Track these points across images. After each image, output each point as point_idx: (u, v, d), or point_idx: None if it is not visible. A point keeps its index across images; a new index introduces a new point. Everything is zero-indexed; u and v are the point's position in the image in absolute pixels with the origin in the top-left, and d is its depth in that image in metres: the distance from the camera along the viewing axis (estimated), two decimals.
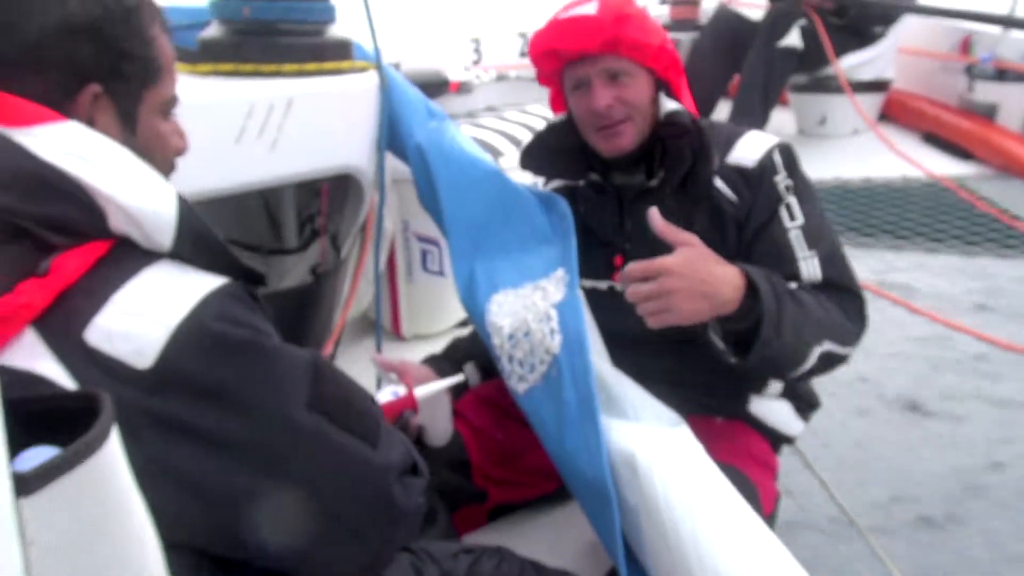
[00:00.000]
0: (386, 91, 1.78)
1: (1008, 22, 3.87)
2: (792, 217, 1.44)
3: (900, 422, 2.58)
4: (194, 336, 0.82)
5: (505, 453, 1.59)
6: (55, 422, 0.57)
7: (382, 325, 2.48)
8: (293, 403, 0.87)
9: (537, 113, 2.78)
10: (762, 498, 1.43)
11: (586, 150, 1.55)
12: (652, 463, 1.18)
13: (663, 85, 1.50)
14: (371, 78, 1.78)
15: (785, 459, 1.65)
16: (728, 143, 1.50)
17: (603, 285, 1.55)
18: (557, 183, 1.66)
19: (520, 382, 1.43)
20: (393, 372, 1.51)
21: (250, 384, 0.85)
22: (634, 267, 1.23)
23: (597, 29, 1.39)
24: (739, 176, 1.46)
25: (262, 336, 0.88)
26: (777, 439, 1.60)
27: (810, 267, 1.41)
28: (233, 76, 1.63)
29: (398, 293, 2.46)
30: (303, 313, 1.95)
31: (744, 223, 1.45)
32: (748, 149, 1.48)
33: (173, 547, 0.73)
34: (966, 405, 2.60)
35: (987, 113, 4.05)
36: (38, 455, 0.48)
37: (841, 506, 1.82)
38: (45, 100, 0.87)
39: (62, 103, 0.88)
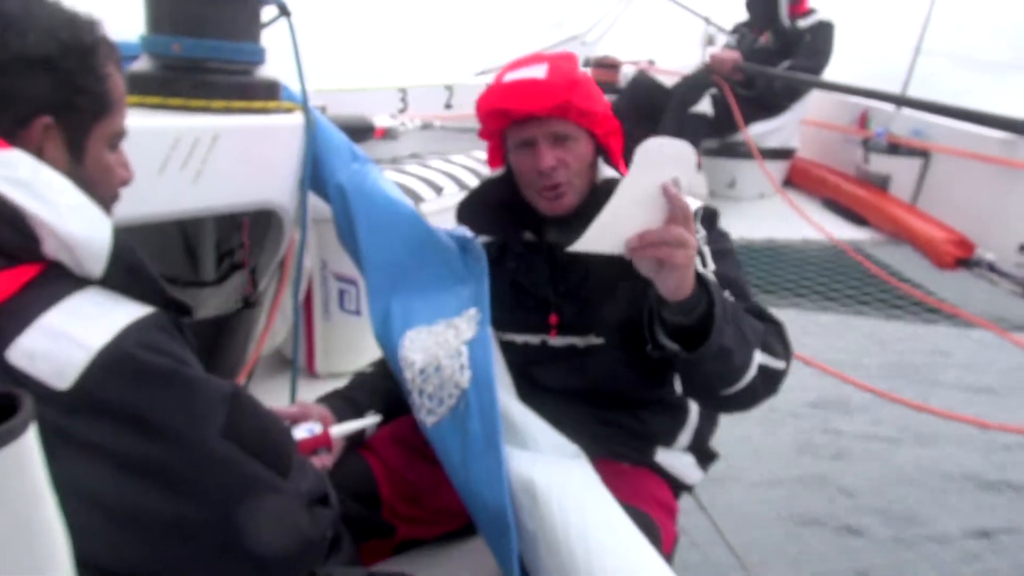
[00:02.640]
0: (311, 131, 1.83)
1: (899, 101, 4.18)
2: (704, 265, 1.47)
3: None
4: (115, 361, 0.85)
5: (415, 492, 1.61)
6: None
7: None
8: (207, 430, 0.91)
9: (459, 162, 2.87)
10: (663, 538, 1.50)
11: (520, 207, 1.58)
12: (550, 489, 1.24)
13: (602, 150, 1.55)
14: (297, 118, 1.84)
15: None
16: None
17: (536, 340, 1.59)
18: (489, 238, 1.68)
19: (429, 415, 1.48)
20: (291, 419, 1.50)
21: (166, 410, 0.88)
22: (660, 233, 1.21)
23: (548, 93, 1.42)
24: None
25: (182, 366, 0.91)
26: (678, 486, 1.68)
27: None
28: (160, 109, 1.66)
29: (314, 331, 2.48)
30: (217, 345, 1.96)
31: None
32: None
33: (79, 564, 0.76)
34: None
35: (881, 183, 4.33)
36: None
37: (730, 545, 1.90)
38: None
39: (13, 131, 0.92)
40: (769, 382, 1.40)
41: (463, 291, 1.63)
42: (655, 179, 1.21)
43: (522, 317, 1.59)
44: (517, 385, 1.55)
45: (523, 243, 1.62)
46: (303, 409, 1.55)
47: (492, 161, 1.66)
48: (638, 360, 1.54)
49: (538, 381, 1.58)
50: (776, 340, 1.43)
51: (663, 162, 1.21)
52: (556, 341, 1.58)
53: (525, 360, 1.58)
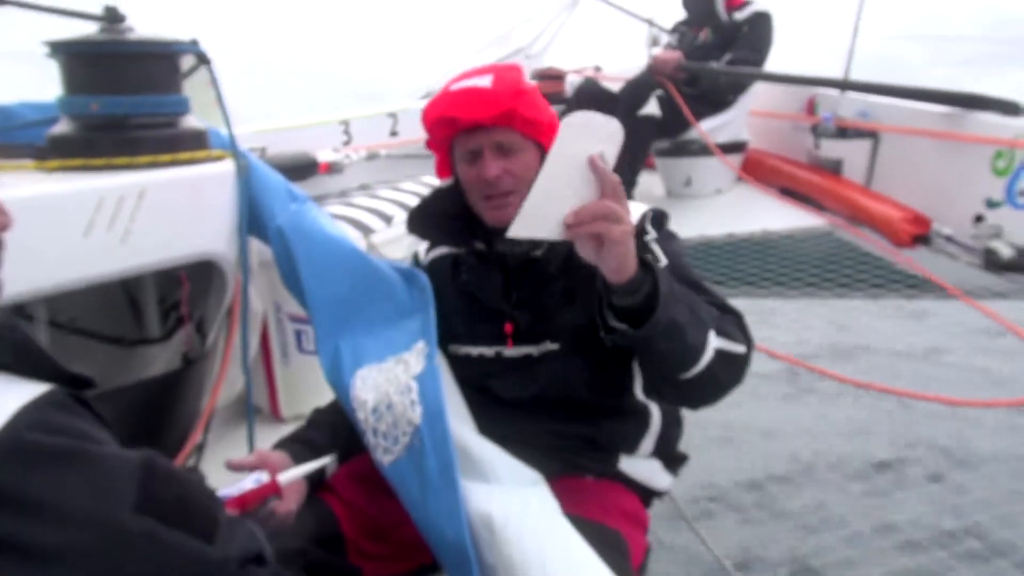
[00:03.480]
0: (243, 177, 1.81)
1: (843, 85, 4.20)
2: (656, 260, 1.45)
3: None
4: (8, 448, 0.81)
5: (378, 527, 1.59)
6: None
7: (260, 407, 2.46)
8: (118, 507, 0.87)
9: (408, 189, 2.86)
10: (632, 552, 1.48)
11: (471, 217, 1.58)
12: (507, 521, 1.23)
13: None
14: (228, 165, 1.81)
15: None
16: None
17: (491, 352, 1.58)
18: (441, 250, 1.68)
19: (385, 454, 1.46)
20: (249, 469, 1.47)
21: (70, 493, 0.84)
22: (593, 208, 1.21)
23: (493, 102, 1.43)
24: None
25: (83, 442, 0.87)
26: (647, 494, 1.67)
27: None
28: (83, 171, 1.63)
29: (274, 375, 2.45)
30: (169, 401, 1.92)
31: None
32: None
33: None
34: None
35: (834, 168, 4.35)
36: None
37: (709, 546, 1.89)
38: None
39: None
40: (730, 367, 1.39)
41: (410, 325, 1.61)
42: (581, 153, 1.20)
43: (477, 329, 1.58)
44: (474, 400, 1.54)
45: (474, 253, 1.61)
46: (261, 458, 1.51)
47: (441, 172, 1.64)
48: (594, 365, 1.53)
49: (495, 394, 1.57)
50: (735, 328, 1.42)
51: (589, 136, 1.20)
52: (511, 352, 1.57)
53: (481, 373, 1.57)
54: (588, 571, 1.16)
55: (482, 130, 1.46)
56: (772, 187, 4.54)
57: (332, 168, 2.88)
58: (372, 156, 3.16)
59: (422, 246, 1.72)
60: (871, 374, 3.43)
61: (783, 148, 4.78)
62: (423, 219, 1.64)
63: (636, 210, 1.56)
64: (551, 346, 1.54)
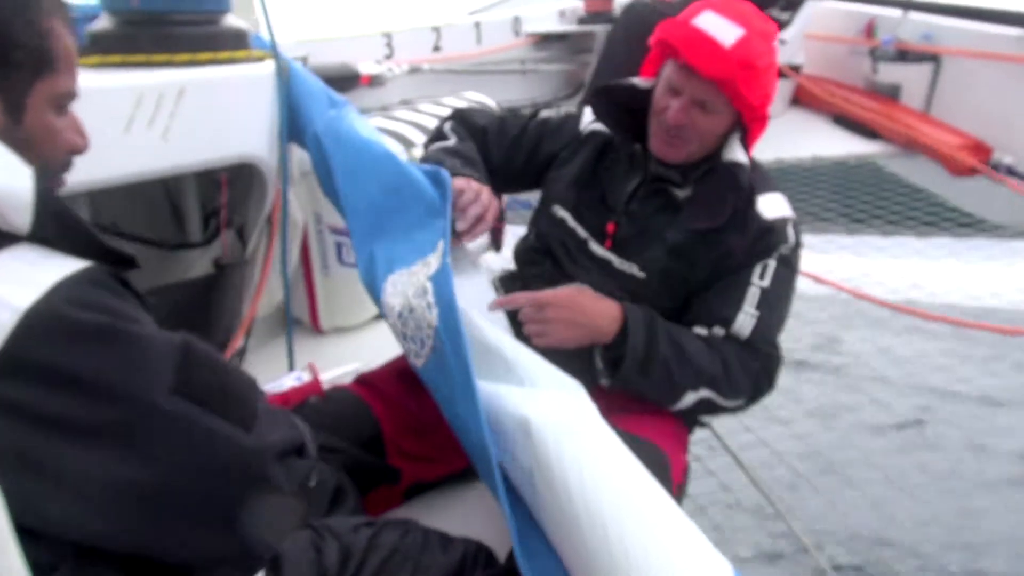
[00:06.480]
0: (284, 80, 1.78)
1: (905, 4, 4.01)
2: (762, 277, 1.49)
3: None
4: (44, 321, 0.80)
5: (419, 424, 1.59)
6: None
7: (300, 319, 2.48)
8: (155, 388, 0.86)
9: (451, 104, 2.80)
10: (672, 467, 1.48)
11: (645, 119, 1.59)
12: (544, 422, 1.20)
13: (739, 127, 1.53)
14: (268, 68, 1.78)
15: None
16: (754, 189, 1.53)
17: (583, 234, 1.63)
18: (600, 126, 1.69)
19: (416, 358, 1.45)
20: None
21: (105, 370, 0.84)
22: (525, 299, 1.39)
23: (721, 64, 1.40)
24: (751, 221, 1.50)
25: (121, 321, 0.86)
26: (693, 419, 1.67)
27: (744, 322, 1.48)
28: (122, 67, 1.61)
29: (314, 286, 2.45)
30: (208, 304, 1.93)
31: (727, 255, 1.51)
32: (772, 207, 1.52)
33: (28, 533, 0.72)
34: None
35: (891, 93, 4.19)
36: None
37: (753, 478, 1.88)
38: None
39: None
40: (708, 410, 1.52)
41: (438, 224, 1.58)
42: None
43: (584, 208, 1.63)
44: (552, 258, 1.64)
45: (629, 152, 1.64)
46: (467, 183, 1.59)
47: (646, 70, 1.64)
48: (666, 309, 1.54)
49: (566, 270, 1.61)
50: (748, 379, 1.47)
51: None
52: (597, 249, 1.61)
53: (564, 243, 1.63)
54: (628, 476, 1.14)
55: (697, 77, 1.44)
56: (825, 114, 4.40)
57: (374, 81, 2.83)
58: (414, 70, 3.10)
59: (588, 112, 1.72)
60: None
61: (838, 73, 4.60)
62: (608, 100, 1.65)
63: (782, 208, 1.53)
64: (638, 274, 1.56)
